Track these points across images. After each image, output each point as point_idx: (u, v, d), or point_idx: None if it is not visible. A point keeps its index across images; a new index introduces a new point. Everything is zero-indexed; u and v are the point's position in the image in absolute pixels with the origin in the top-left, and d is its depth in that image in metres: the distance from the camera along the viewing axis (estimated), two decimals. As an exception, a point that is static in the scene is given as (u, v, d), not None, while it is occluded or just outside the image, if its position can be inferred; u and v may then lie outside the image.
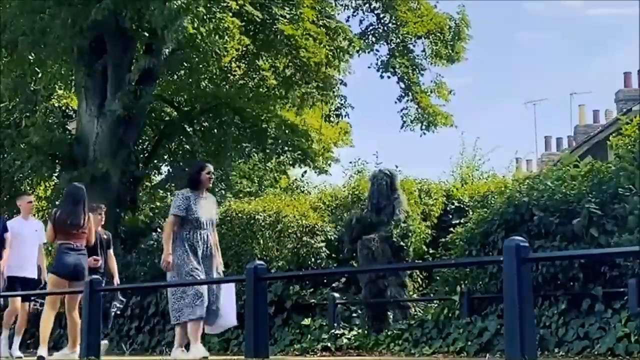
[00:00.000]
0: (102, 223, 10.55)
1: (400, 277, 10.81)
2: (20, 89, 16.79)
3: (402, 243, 10.68)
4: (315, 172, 18.51)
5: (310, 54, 15.81)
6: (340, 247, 12.45)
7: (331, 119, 18.39)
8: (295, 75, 16.64)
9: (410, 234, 10.81)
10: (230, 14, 13.74)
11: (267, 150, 17.83)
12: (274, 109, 17.82)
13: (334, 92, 17.45)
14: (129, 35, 15.31)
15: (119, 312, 11.04)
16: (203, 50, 14.34)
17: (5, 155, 16.13)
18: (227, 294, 8.07)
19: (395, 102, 18.63)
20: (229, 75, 17.35)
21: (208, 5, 13.38)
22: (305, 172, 18.72)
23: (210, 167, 8.28)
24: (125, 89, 14.85)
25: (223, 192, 17.81)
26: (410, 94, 18.48)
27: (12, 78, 16.45)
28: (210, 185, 8.39)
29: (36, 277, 10.40)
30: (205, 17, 13.15)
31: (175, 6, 12.85)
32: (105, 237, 10.52)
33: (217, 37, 13.41)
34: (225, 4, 13.64)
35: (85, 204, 8.95)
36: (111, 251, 10.59)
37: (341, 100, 17.66)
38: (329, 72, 17.43)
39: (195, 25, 13.03)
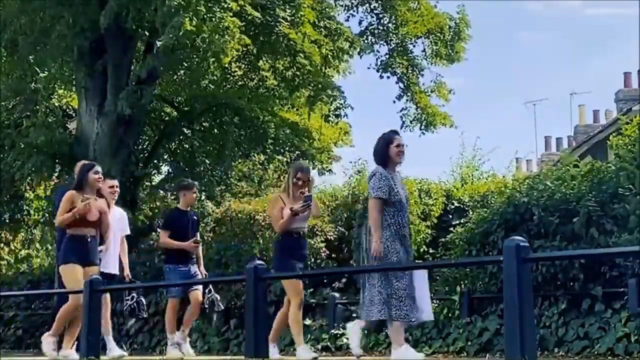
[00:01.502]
0: (194, 203, 9.91)
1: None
2: (20, 89, 16.79)
3: None
4: (319, 173, 18.49)
5: (306, 61, 15.79)
6: (342, 247, 12.47)
7: (330, 119, 18.39)
8: (297, 78, 16.63)
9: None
10: (231, 14, 13.74)
11: (268, 151, 17.83)
12: (274, 109, 17.82)
13: (334, 92, 17.43)
14: (129, 35, 15.32)
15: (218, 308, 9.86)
16: (204, 50, 14.34)
17: (6, 155, 16.11)
18: (423, 285, 7.19)
19: (394, 102, 18.64)
20: (229, 75, 17.35)
21: (209, 4, 13.37)
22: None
23: (400, 139, 7.27)
24: (129, 89, 14.86)
25: (217, 191, 17.81)
26: (409, 94, 18.48)
27: (12, 79, 16.46)
28: (401, 160, 7.31)
29: (117, 273, 9.39)
30: (205, 16, 13.15)
31: (175, 3, 12.86)
32: (195, 218, 9.76)
33: (217, 36, 13.39)
34: (226, 4, 13.63)
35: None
36: (198, 234, 9.80)
37: (341, 100, 17.65)
38: (328, 73, 17.43)
39: (194, 23, 13.01)
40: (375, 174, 7.16)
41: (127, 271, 9.49)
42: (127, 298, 9.67)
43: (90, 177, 8.17)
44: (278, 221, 7.90)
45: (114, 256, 9.17)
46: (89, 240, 8.14)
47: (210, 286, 9.58)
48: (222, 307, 9.81)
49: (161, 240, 9.63)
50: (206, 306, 9.54)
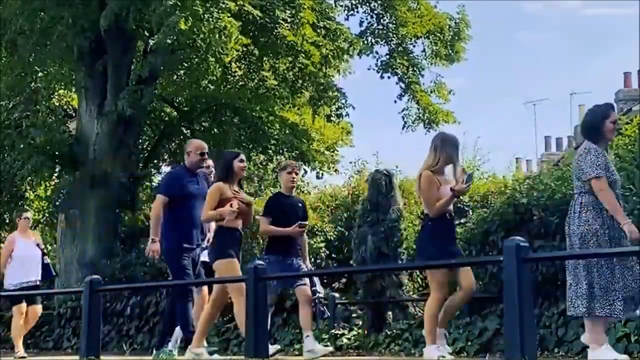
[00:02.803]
0: (293, 185, 8.58)
1: (397, 277, 10.79)
2: (20, 88, 16.79)
3: (389, 244, 10.66)
4: (317, 176, 18.48)
5: (308, 62, 15.81)
6: (342, 247, 12.46)
7: (331, 118, 18.40)
8: (299, 80, 16.64)
9: (400, 234, 10.79)
10: (229, 14, 13.75)
11: (269, 151, 17.84)
12: (274, 109, 17.82)
13: (335, 93, 17.45)
14: (129, 36, 15.32)
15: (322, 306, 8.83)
16: (204, 50, 14.34)
17: (5, 155, 16.12)
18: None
19: (395, 101, 18.66)
20: (229, 75, 17.36)
21: (206, 4, 13.37)
22: (306, 172, 18.76)
23: (616, 115, 6.61)
24: (130, 88, 14.87)
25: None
26: (409, 92, 18.50)
27: (12, 78, 16.45)
28: (613, 137, 6.69)
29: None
30: (202, 16, 13.15)
31: (171, 3, 12.86)
32: (300, 205, 8.65)
33: (216, 36, 13.40)
34: (224, 5, 13.63)
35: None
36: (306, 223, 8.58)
37: (342, 100, 17.68)
38: (329, 73, 17.43)
39: (190, 23, 13.01)
40: (589, 150, 6.31)
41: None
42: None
43: (237, 165, 7.71)
44: (435, 202, 7.01)
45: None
46: (240, 233, 7.65)
47: (318, 284, 8.67)
48: (328, 314, 8.74)
49: (261, 228, 8.52)
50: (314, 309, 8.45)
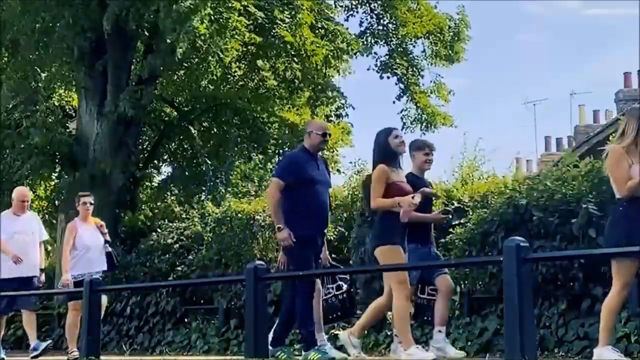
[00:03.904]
0: (429, 167, 7.92)
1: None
2: (21, 89, 16.79)
3: None
4: None
5: (299, 66, 15.85)
6: (341, 247, 12.45)
7: (331, 119, 18.42)
8: (297, 80, 16.65)
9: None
10: (236, 14, 13.79)
11: (269, 151, 17.85)
12: (274, 109, 17.84)
13: (333, 93, 17.46)
14: (129, 36, 15.33)
15: None
16: (205, 50, 14.36)
17: (5, 155, 16.11)
18: None
19: (394, 102, 18.67)
20: (229, 75, 17.37)
21: (216, 6, 13.42)
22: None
23: None
24: (130, 89, 14.87)
25: (223, 191, 17.82)
26: (408, 94, 18.52)
27: (14, 79, 16.46)
28: None
29: None
30: (213, 17, 13.20)
31: (184, 8, 12.88)
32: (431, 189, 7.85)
33: (221, 37, 13.44)
34: (230, 4, 13.66)
35: None
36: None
37: (341, 99, 17.69)
38: (328, 73, 17.45)
39: (205, 25, 13.06)
40: None
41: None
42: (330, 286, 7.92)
43: (392, 142, 6.96)
44: (625, 181, 6.17)
45: None
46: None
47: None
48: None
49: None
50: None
